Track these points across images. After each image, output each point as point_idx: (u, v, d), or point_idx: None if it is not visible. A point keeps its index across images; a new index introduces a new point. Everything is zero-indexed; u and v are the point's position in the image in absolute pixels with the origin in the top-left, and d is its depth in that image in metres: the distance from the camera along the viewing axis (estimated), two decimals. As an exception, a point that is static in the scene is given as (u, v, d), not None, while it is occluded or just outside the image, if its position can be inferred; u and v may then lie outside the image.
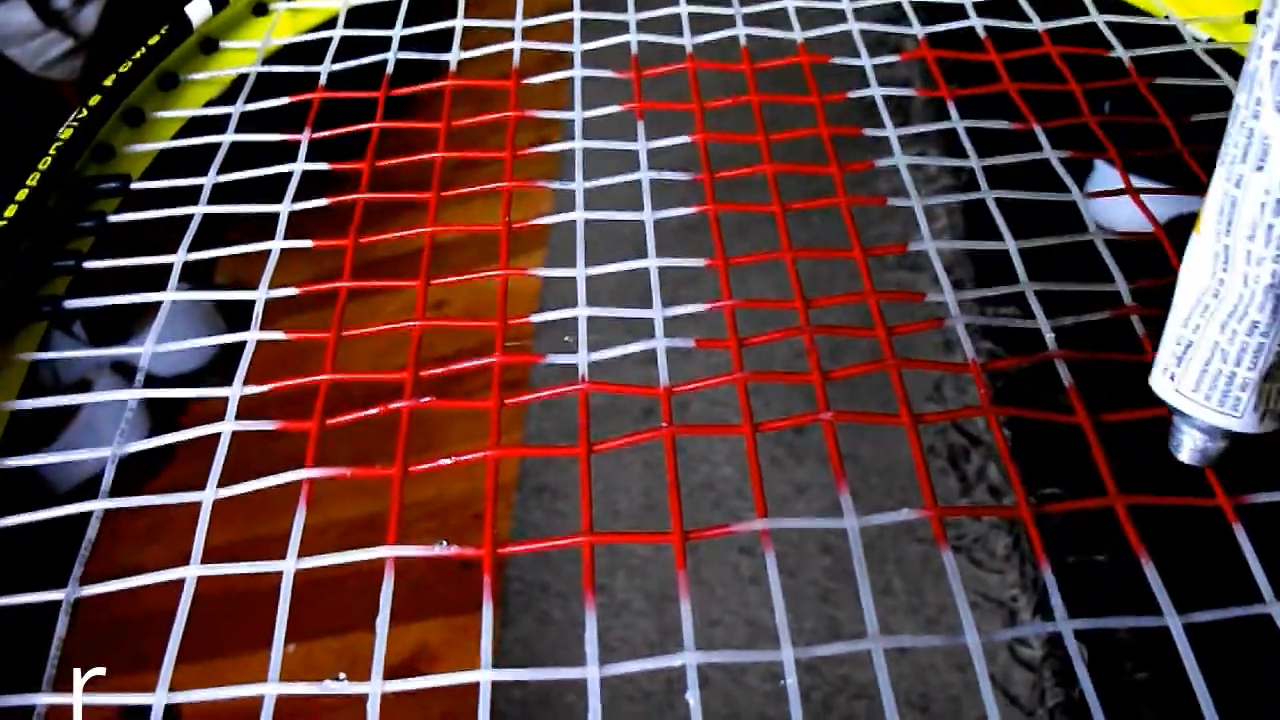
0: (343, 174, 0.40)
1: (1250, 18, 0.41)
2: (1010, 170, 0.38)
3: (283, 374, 0.33)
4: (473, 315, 0.35)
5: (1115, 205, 0.37)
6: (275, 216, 0.38)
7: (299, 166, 0.40)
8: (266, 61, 0.45)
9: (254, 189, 0.39)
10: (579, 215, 0.37)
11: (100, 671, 0.27)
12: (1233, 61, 0.40)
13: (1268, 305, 0.26)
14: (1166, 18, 0.43)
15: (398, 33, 0.45)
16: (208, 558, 0.29)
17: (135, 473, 0.32)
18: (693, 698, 0.25)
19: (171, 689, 0.26)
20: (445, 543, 0.28)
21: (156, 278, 0.36)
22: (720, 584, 0.74)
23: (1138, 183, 0.37)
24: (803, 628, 0.71)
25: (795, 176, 0.39)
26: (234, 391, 0.32)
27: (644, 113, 0.41)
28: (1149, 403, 0.29)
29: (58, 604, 0.28)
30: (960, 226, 0.74)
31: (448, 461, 0.30)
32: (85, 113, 0.40)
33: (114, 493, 0.30)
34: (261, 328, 0.35)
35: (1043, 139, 0.39)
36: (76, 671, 0.27)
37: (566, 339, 0.33)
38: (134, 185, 0.40)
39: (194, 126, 0.43)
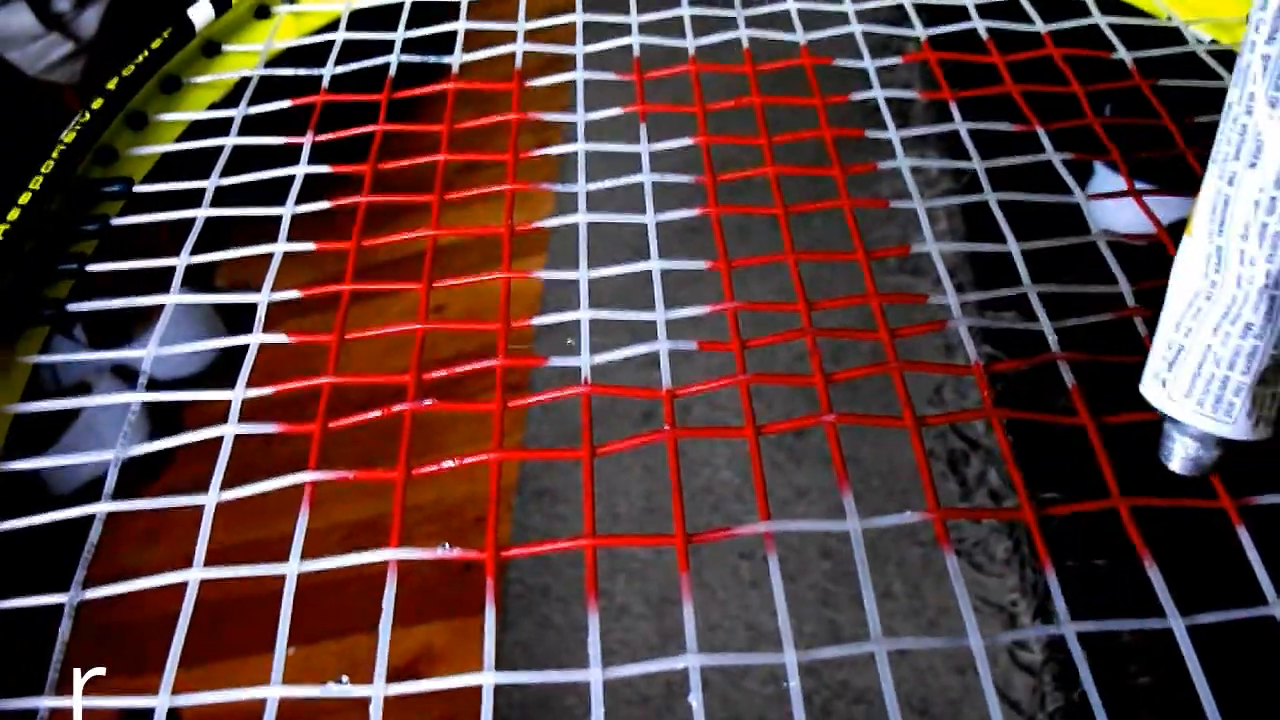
0: (345, 177, 0.40)
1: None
2: (1012, 172, 0.38)
3: (285, 377, 0.33)
4: (475, 318, 0.35)
5: (1118, 207, 0.37)
6: (277, 219, 0.38)
7: (301, 169, 0.40)
8: (269, 64, 0.45)
9: (256, 192, 0.39)
10: (581, 218, 0.37)
11: (100, 671, 0.27)
12: (1236, 63, 0.40)
13: (1261, 307, 0.25)
14: (1169, 19, 0.43)
15: (400, 35, 0.45)
16: (210, 561, 0.29)
17: (137, 476, 0.32)
18: (695, 700, 0.25)
19: (174, 692, 0.26)
20: (447, 545, 0.28)
21: (159, 281, 0.36)
22: (721, 587, 0.74)
23: (1140, 185, 0.37)
24: (803, 631, 0.71)
25: (797, 179, 0.39)
26: (236, 394, 0.32)
27: (646, 115, 0.41)
28: (1152, 405, 0.29)
29: (60, 607, 0.28)
30: (962, 229, 0.74)
31: (450, 464, 0.30)
32: (88, 116, 0.40)
33: (116, 496, 0.30)
34: (264, 331, 0.35)
35: (1045, 141, 0.39)
36: (76, 672, 0.27)
37: (569, 342, 0.33)
38: (136, 188, 0.40)
39: (196, 129, 0.43)
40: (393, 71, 0.44)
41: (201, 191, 0.39)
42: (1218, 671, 0.25)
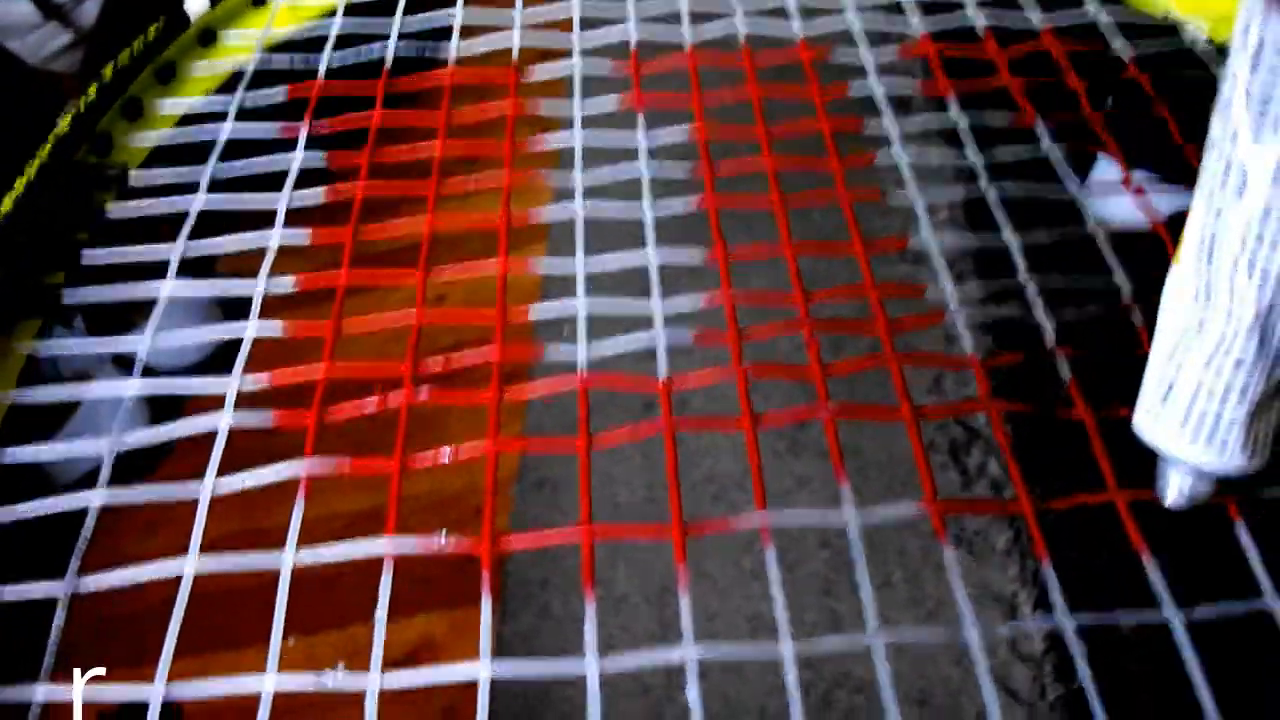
0: (341, 167, 0.40)
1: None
2: (1010, 165, 0.38)
3: (281, 367, 0.33)
4: (472, 309, 0.35)
5: (1116, 200, 0.37)
6: (274, 209, 0.38)
7: (297, 159, 0.39)
8: (265, 53, 0.45)
9: (252, 181, 0.39)
10: (578, 208, 0.37)
11: (100, 672, 0.27)
12: (1218, 95, 0.40)
13: (1253, 341, 0.25)
14: (1166, 15, 0.43)
15: (397, 25, 0.45)
16: (206, 551, 0.29)
17: (134, 466, 0.32)
18: (692, 694, 0.25)
19: (170, 682, 0.26)
20: (444, 534, 0.28)
21: (155, 270, 0.36)
22: (720, 578, 0.74)
23: (1138, 178, 0.37)
24: (803, 621, 0.71)
25: (795, 171, 0.38)
26: (232, 384, 0.32)
27: (643, 106, 0.41)
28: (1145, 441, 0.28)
29: (56, 597, 0.28)
30: (960, 221, 0.74)
31: (447, 455, 0.30)
32: (84, 104, 0.40)
33: (112, 486, 0.30)
34: (260, 320, 0.34)
35: (1043, 134, 0.39)
36: (77, 672, 0.27)
37: (566, 333, 0.33)
38: (132, 177, 0.40)
39: (192, 118, 0.43)
40: (389, 61, 0.44)
41: (197, 180, 0.39)
42: (1215, 663, 0.25)
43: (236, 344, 0.34)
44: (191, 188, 0.39)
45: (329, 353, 0.33)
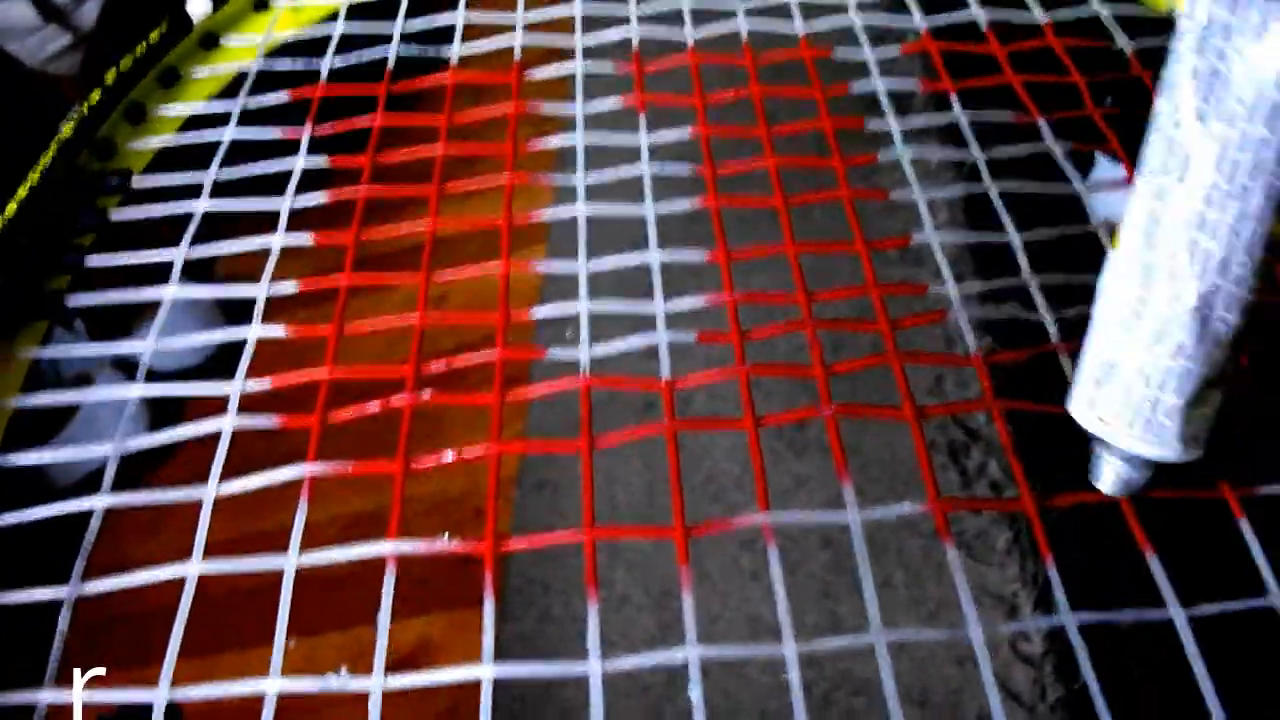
0: (343, 169, 0.40)
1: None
2: (1013, 163, 0.38)
3: (284, 370, 0.33)
4: (474, 310, 0.35)
5: (1118, 197, 0.37)
6: (276, 212, 0.38)
7: (300, 162, 0.39)
8: (267, 57, 0.45)
9: (255, 184, 0.39)
10: (580, 209, 0.37)
11: (100, 672, 0.27)
12: (1162, 74, 0.40)
13: (1193, 327, 0.24)
14: (1169, 11, 0.43)
15: (399, 27, 0.45)
16: (209, 554, 0.29)
17: (136, 469, 0.32)
18: (694, 694, 0.25)
19: (173, 685, 0.26)
20: (446, 536, 0.28)
21: (158, 274, 0.36)
22: (721, 578, 0.74)
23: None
24: (804, 622, 0.71)
25: (797, 170, 0.38)
26: (235, 387, 0.32)
27: (645, 106, 0.41)
28: (1080, 426, 0.28)
29: (60, 600, 0.28)
30: (963, 219, 0.74)
31: (449, 456, 0.30)
32: (86, 108, 0.40)
33: (115, 489, 0.30)
34: (263, 323, 0.34)
35: (1045, 131, 0.39)
36: (77, 672, 0.27)
37: (568, 334, 0.33)
38: (135, 181, 0.40)
39: (195, 122, 0.43)
40: (391, 63, 0.44)
41: (200, 184, 0.39)
42: (1218, 661, 0.25)
43: (238, 347, 0.34)
44: (194, 191, 0.39)
45: (331, 355, 0.33)
